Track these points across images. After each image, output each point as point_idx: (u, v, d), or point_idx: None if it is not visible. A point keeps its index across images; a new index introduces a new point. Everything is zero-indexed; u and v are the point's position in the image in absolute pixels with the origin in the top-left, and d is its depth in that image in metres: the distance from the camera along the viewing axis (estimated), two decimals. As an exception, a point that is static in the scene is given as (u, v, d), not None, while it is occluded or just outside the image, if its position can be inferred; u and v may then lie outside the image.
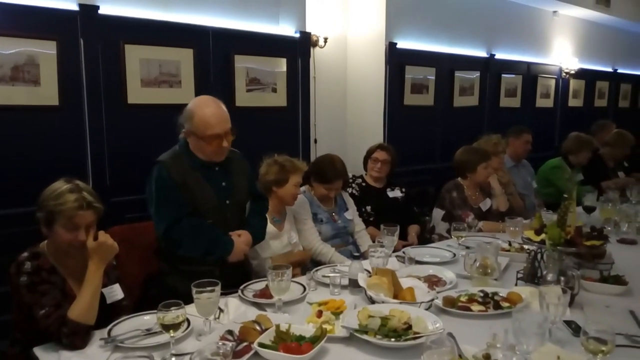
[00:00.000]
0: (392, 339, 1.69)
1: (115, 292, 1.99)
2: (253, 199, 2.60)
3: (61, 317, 1.72)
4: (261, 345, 1.62)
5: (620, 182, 4.64)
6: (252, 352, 1.62)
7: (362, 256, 2.61)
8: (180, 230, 2.26)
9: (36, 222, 1.89)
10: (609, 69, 8.25)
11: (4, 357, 1.93)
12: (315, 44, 4.70)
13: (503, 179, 3.96)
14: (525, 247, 2.68)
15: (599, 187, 4.21)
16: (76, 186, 1.88)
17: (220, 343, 1.50)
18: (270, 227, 2.77)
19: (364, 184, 3.67)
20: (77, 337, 1.71)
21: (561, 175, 4.33)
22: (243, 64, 4.07)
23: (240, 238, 2.39)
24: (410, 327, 1.73)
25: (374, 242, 2.74)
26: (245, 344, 1.66)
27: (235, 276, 2.39)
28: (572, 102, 7.56)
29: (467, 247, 2.67)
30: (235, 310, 1.97)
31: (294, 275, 2.13)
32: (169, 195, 2.28)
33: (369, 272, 2.27)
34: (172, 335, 1.64)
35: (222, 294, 1.85)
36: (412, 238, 3.49)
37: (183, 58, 3.71)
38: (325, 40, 4.76)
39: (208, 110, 2.27)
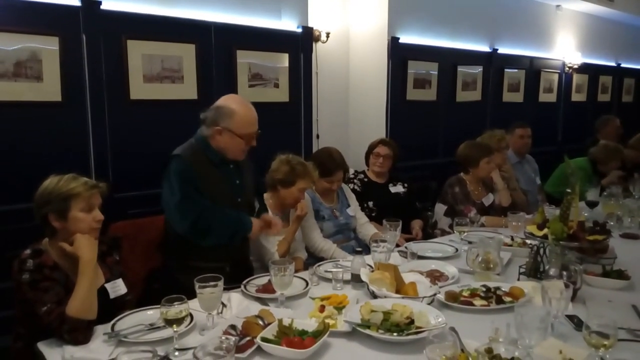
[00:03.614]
0: (395, 334, 1.69)
1: (119, 287, 2.00)
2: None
3: (62, 313, 1.72)
4: (264, 339, 1.63)
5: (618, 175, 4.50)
6: (255, 347, 1.63)
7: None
8: (207, 219, 2.31)
9: (42, 222, 1.89)
10: (613, 64, 8.20)
11: (8, 352, 1.94)
12: (317, 39, 4.69)
13: (506, 174, 3.95)
14: (528, 241, 2.67)
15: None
16: (72, 175, 1.92)
17: (223, 337, 1.51)
18: (272, 223, 2.78)
19: (366, 180, 3.67)
20: (78, 333, 1.72)
21: (582, 178, 4.13)
22: (245, 59, 4.06)
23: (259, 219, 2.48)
24: (412, 321, 1.73)
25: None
26: (248, 338, 1.66)
27: (244, 272, 2.48)
28: (576, 97, 7.52)
29: (470, 242, 2.67)
30: (238, 305, 1.97)
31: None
32: (194, 187, 2.31)
33: (371, 267, 2.27)
34: (175, 330, 1.65)
35: (225, 289, 1.86)
36: (416, 231, 3.50)
37: (185, 53, 3.71)
38: (328, 35, 4.75)
39: (249, 110, 2.40)
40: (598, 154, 4.49)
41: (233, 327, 1.73)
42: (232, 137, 2.35)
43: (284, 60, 4.34)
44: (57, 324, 1.71)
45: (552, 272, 2.00)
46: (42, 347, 1.73)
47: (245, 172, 2.55)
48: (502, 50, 6.13)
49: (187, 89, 3.69)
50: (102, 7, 3.32)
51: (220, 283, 1.78)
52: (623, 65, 8.37)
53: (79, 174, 1.96)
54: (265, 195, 2.85)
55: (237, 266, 2.48)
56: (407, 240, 3.12)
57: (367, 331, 1.72)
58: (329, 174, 3.10)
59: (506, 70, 6.26)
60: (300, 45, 4.46)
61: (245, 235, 2.43)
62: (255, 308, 1.93)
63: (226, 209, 2.39)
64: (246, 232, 2.41)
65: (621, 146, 4.67)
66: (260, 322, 1.75)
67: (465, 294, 2.08)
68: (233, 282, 2.18)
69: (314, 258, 2.96)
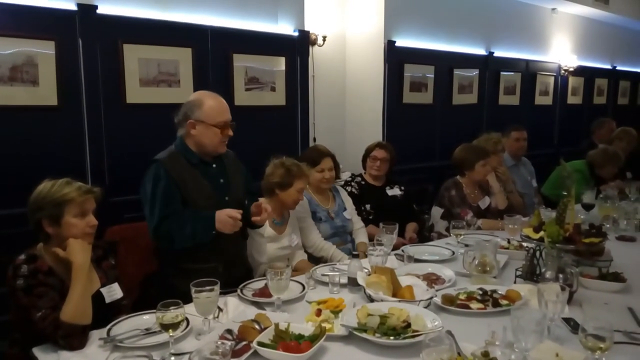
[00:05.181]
0: (391, 337, 1.69)
1: (115, 291, 1.99)
2: (249, 198, 2.61)
3: (57, 319, 1.71)
4: (260, 344, 1.63)
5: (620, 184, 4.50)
6: (251, 351, 1.62)
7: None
8: (168, 224, 2.27)
9: (36, 228, 1.88)
10: (608, 66, 8.25)
11: (4, 358, 1.93)
12: (314, 42, 4.71)
13: (503, 176, 3.96)
14: (524, 244, 2.68)
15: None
16: (66, 180, 1.92)
17: (219, 342, 1.51)
18: (268, 230, 2.77)
19: (363, 183, 3.68)
20: (73, 338, 1.71)
21: (579, 181, 4.10)
22: (242, 63, 4.07)
23: (224, 209, 2.28)
24: (409, 325, 1.73)
25: (371, 240, 2.74)
26: (244, 343, 1.66)
27: (239, 272, 2.45)
28: (571, 100, 7.55)
29: (466, 245, 2.67)
30: (235, 310, 1.97)
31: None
32: (163, 193, 2.29)
33: (368, 270, 2.27)
34: (171, 334, 1.64)
35: (221, 293, 1.85)
36: (409, 234, 3.50)
37: (182, 57, 3.71)
38: (324, 38, 4.77)
39: (216, 99, 2.40)
40: (596, 158, 4.47)
41: (229, 331, 1.73)
42: (207, 128, 2.33)
43: (280, 63, 4.34)
44: (51, 330, 1.70)
45: (548, 274, 2.00)
46: (37, 352, 1.72)
47: (231, 172, 2.51)
48: (498, 53, 6.16)
49: (183, 93, 3.68)
50: (98, 11, 3.33)
51: (217, 287, 1.78)
52: (618, 67, 8.42)
53: (74, 178, 1.95)
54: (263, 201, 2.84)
55: (232, 266, 2.44)
56: (403, 244, 3.11)
57: (364, 335, 1.71)
58: (317, 162, 3.13)
59: (502, 73, 6.29)
60: (296, 48, 4.46)
61: (211, 232, 2.25)
62: (251, 312, 1.92)
63: (190, 211, 2.31)
64: (210, 229, 2.24)
65: (620, 152, 4.65)
66: (257, 327, 1.75)
67: (462, 297, 2.08)
68: (228, 283, 2.15)
69: (313, 258, 2.97)
